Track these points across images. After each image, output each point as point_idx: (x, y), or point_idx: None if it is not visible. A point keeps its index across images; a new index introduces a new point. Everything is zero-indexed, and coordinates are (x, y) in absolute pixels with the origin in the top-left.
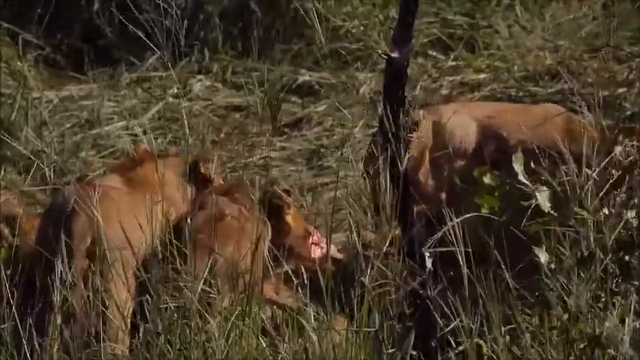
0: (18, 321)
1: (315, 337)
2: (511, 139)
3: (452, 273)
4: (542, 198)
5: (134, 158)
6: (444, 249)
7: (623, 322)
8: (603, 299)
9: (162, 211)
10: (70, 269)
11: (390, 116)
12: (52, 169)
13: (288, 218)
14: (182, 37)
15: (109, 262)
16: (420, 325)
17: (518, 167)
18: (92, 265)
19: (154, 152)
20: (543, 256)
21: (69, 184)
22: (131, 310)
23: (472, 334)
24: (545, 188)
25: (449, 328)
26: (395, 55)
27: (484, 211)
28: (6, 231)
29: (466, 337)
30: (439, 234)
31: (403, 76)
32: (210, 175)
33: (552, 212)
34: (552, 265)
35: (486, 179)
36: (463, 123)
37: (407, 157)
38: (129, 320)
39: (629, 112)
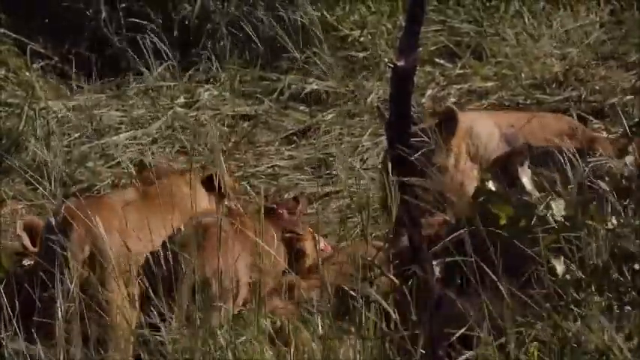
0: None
1: (316, 347)
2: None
3: (460, 282)
4: (558, 208)
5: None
6: (452, 258)
7: (634, 332)
8: (616, 310)
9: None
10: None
11: (397, 124)
12: (60, 179)
13: (306, 246)
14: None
15: (109, 271)
16: (428, 332)
17: (525, 178)
18: (91, 274)
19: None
20: (560, 267)
21: (74, 196)
22: (135, 320)
23: (480, 341)
24: (559, 198)
25: (456, 334)
26: (401, 63)
27: (502, 222)
28: (27, 241)
29: (475, 345)
30: (442, 242)
31: (409, 85)
32: (223, 188)
33: (565, 222)
34: (567, 276)
35: (490, 185)
36: (488, 131)
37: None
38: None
39: (636, 120)
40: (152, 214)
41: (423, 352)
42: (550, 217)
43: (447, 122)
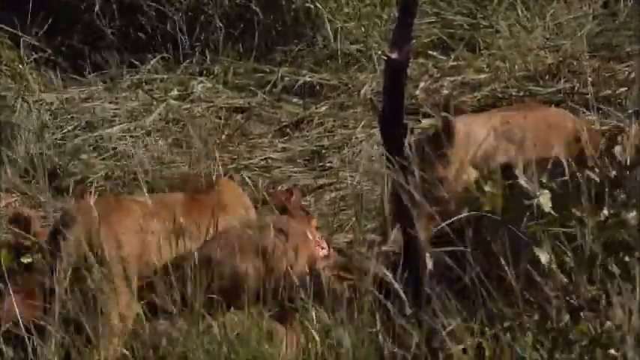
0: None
1: (317, 338)
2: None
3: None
4: (544, 199)
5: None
6: (447, 249)
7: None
8: (604, 300)
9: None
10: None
11: (390, 116)
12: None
13: None
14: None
15: (104, 272)
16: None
17: (518, 170)
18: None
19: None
20: (544, 257)
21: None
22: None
23: (474, 333)
24: (546, 190)
25: (451, 327)
26: (394, 55)
27: (486, 207)
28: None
29: (468, 335)
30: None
31: (403, 77)
32: None
33: (553, 212)
34: (553, 266)
35: (487, 187)
36: (482, 132)
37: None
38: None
39: (629, 112)
40: (200, 218)
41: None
42: (538, 208)
43: (446, 133)
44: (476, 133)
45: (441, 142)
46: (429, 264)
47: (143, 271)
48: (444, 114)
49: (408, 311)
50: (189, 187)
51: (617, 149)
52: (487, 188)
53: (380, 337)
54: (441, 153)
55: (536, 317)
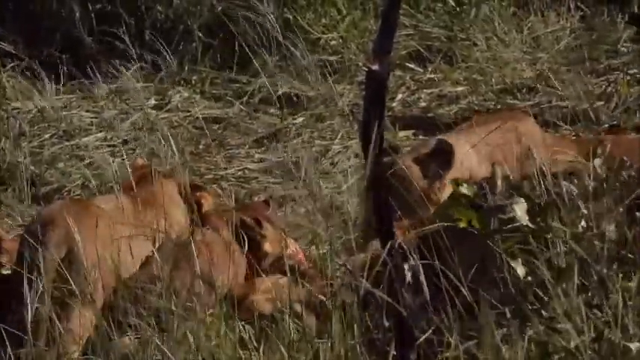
0: None
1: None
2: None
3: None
4: (520, 210)
5: (141, 176)
6: (423, 261)
7: (600, 335)
8: (580, 312)
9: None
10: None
11: (370, 128)
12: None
13: (266, 246)
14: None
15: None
16: (398, 337)
17: (497, 180)
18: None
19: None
20: (520, 270)
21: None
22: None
23: (450, 347)
24: (522, 200)
25: (421, 338)
26: (375, 67)
27: (462, 224)
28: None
29: (445, 349)
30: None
31: (384, 88)
32: (201, 203)
33: (530, 225)
34: (529, 278)
35: (463, 189)
36: (469, 157)
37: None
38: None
39: (606, 126)
40: (141, 225)
41: (395, 355)
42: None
43: (442, 156)
44: (459, 154)
45: (438, 162)
46: (408, 275)
47: (108, 277)
48: (440, 137)
49: (386, 323)
50: (127, 187)
51: (597, 162)
52: (463, 190)
53: (358, 348)
54: (437, 174)
55: (511, 330)
